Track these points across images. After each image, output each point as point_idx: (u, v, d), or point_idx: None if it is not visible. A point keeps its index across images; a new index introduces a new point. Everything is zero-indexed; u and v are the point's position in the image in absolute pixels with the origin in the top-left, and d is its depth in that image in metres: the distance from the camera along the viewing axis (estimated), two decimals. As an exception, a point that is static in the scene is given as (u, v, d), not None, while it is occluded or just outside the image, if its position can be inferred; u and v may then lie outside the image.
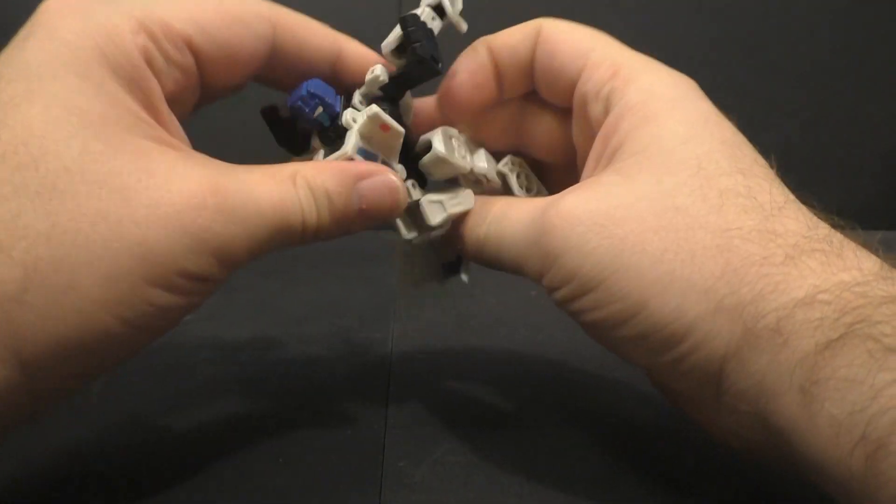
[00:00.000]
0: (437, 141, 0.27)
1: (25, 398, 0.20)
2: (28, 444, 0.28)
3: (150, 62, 0.22)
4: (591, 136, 0.26)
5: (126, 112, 0.21)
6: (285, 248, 0.23)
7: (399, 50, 0.26)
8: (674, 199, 0.22)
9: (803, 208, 0.22)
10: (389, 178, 0.25)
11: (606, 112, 0.25)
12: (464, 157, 0.28)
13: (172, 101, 0.24)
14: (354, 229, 0.25)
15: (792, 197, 0.23)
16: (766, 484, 0.26)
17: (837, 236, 0.21)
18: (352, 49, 0.27)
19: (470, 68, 0.28)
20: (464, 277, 0.31)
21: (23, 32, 0.22)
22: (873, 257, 0.21)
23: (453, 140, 0.28)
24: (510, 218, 0.25)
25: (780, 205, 0.22)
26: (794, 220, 0.22)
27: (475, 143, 0.29)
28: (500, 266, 0.26)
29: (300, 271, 0.50)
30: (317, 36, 0.27)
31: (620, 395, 0.34)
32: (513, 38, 0.27)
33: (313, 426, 0.30)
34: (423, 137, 0.27)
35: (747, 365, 0.20)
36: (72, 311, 0.19)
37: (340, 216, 0.24)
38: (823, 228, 0.22)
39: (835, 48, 0.67)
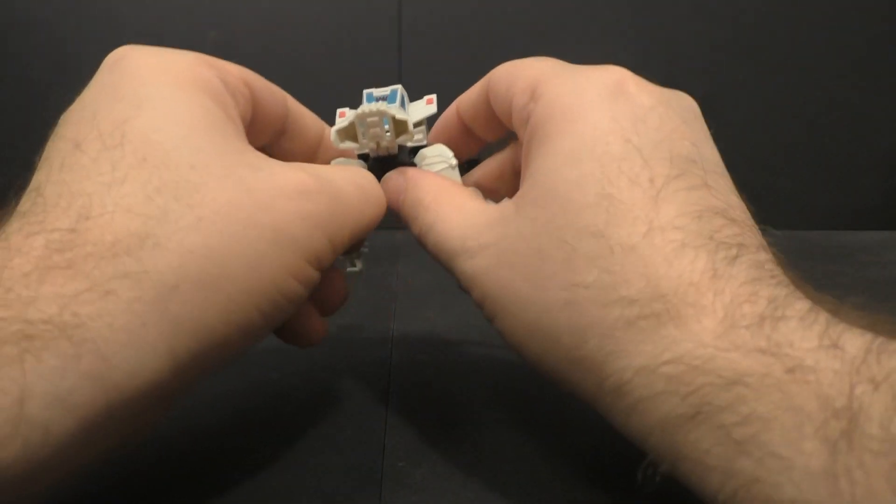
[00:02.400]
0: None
1: (167, 397, 0.20)
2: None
3: (230, 91, 0.24)
4: None
5: (222, 120, 0.23)
6: (364, 236, 0.27)
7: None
8: (539, 241, 0.22)
9: (670, 237, 0.20)
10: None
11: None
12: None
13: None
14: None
15: (663, 221, 0.20)
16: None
17: (686, 284, 0.19)
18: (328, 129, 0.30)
19: (440, 129, 0.30)
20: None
21: (101, 72, 0.23)
22: (718, 313, 0.18)
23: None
24: (438, 233, 0.26)
25: (632, 244, 0.20)
26: (642, 265, 0.20)
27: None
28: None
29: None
30: (309, 116, 0.30)
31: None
32: (472, 93, 0.29)
33: (313, 426, 0.30)
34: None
35: (611, 419, 0.21)
36: (224, 300, 0.20)
37: (381, 202, 0.27)
38: (676, 271, 0.19)
39: (835, 48, 0.68)
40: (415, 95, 0.30)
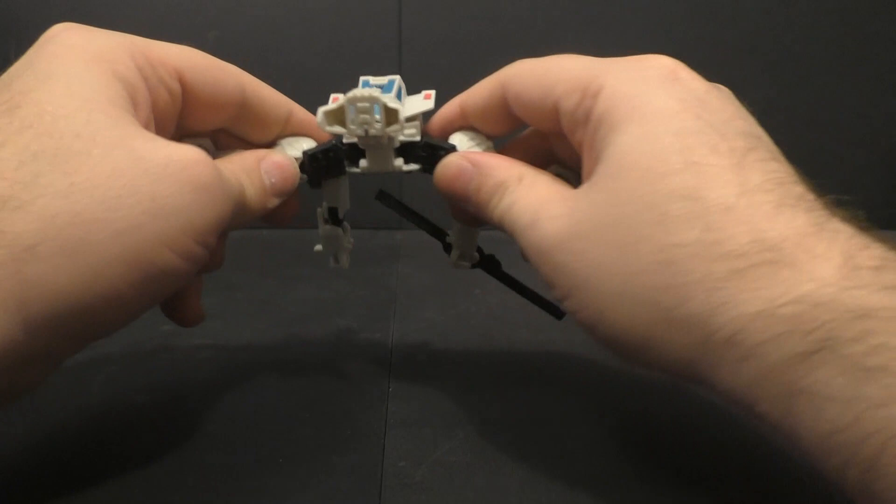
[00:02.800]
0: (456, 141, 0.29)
1: (25, 360, 0.20)
2: (28, 442, 0.28)
3: (144, 76, 0.24)
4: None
5: (123, 100, 0.23)
6: (229, 227, 0.26)
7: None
8: (622, 210, 0.22)
9: (765, 199, 0.20)
10: (281, 160, 0.29)
11: (588, 120, 0.25)
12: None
13: (157, 120, 0.26)
14: (271, 206, 0.28)
15: (753, 185, 0.21)
16: (764, 484, 0.26)
17: (796, 235, 0.20)
18: (299, 112, 0.30)
19: (439, 124, 0.30)
20: None
21: (33, 46, 0.24)
22: (835, 259, 0.19)
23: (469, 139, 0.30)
24: (521, 204, 0.26)
25: (729, 204, 0.20)
26: (744, 222, 0.20)
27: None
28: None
29: (300, 271, 0.50)
30: (274, 96, 0.29)
31: (621, 394, 0.34)
32: (481, 93, 0.28)
33: (313, 426, 0.30)
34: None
35: (714, 374, 0.20)
36: (83, 266, 0.20)
37: (260, 191, 0.27)
38: (781, 226, 0.20)
39: (835, 48, 0.68)
40: (415, 94, 0.29)
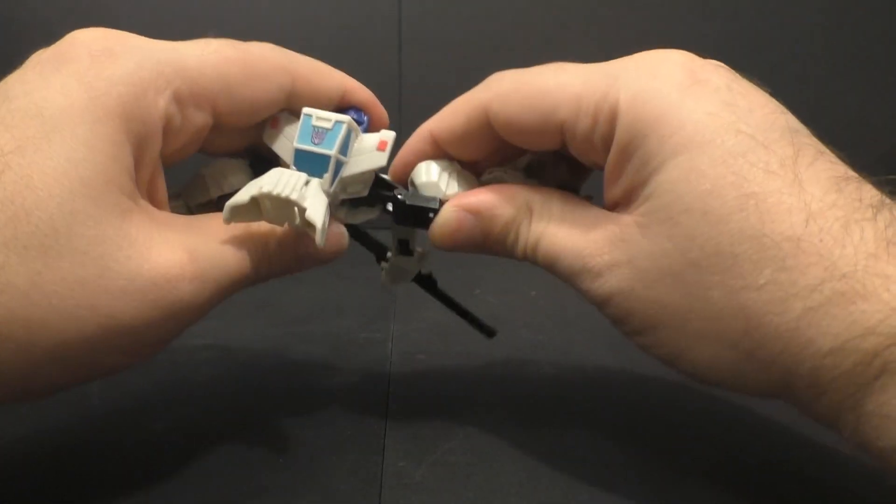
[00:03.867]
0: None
1: None
2: (28, 443, 0.28)
3: (167, 122, 0.23)
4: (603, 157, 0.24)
5: (123, 170, 0.21)
6: (260, 280, 0.25)
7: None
8: (688, 258, 0.21)
9: (832, 217, 0.20)
10: (337, 233, 0.26)
11: (607, 145, 0.23)
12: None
13: (174, 153, 0.25)
14: (307, 269, 0.26)
15: (816, 203, 0.20)
16: (766, 484, 0.26)
17: (866, 257, 0.19)
18: (356, 88, 0.27)
19: (407, 157, 0.28)
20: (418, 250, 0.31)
21: (48, 60, 0.22)
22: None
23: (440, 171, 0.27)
24: (558, 245, 0.25)
25: (797, 235, 0.20)
26: (814, 253, 0.19)
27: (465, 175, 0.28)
28: None
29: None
30: (326, 80, 0.27)
31: (621, 394, 0.34)
32: (455, 120, 0.26)
33: (313, 426, 0.30)
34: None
35: (797, 402, 0.21)
36: (25, 364, 0.19)
37: (291, 263, 0.26)
38: (850, 249, 0.19)
39: (835, 48, 0.68)
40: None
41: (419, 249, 0.30)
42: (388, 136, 0.26)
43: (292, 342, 0.39)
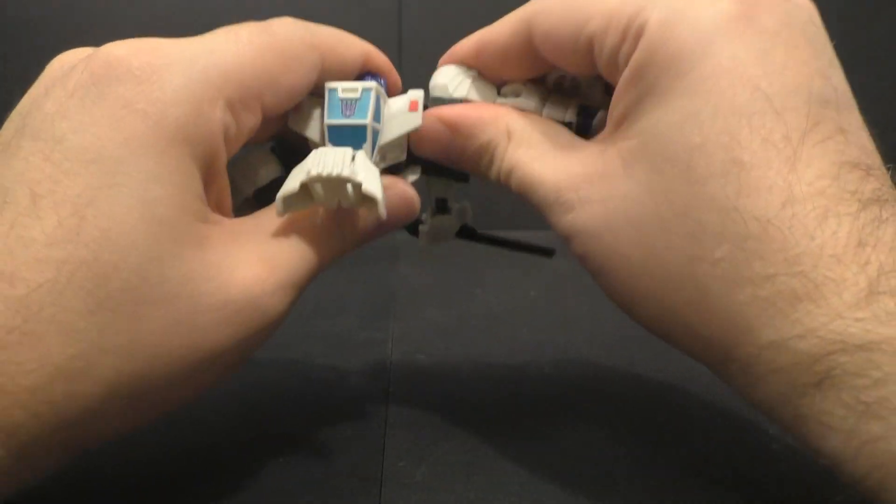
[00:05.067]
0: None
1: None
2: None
3: (226, 132, 0.22)
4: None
5: (195, 197, 0.21)
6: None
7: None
8: (658, 209, 0.20)
9: (812, 205, 0.18)
10: (405, 192, 0.26)
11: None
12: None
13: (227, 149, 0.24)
14: (374, 237, 0.26)
15: (802, 187, 0.18)
16: (767, 484, 0.26)
17: (830, 256, 0.18)
18: (375, 53, 0.27)
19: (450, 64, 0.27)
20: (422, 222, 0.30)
21: (86, 86, 0.20)
22: (860, 285, 0.17)
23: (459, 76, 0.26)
24: (534, 175, 0.24)
25: (768, 217, 0.18)
26: (779, 240, 0.18)
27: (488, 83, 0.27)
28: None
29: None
30: (350, 49, 0.26)
31: (621, 394, 0.34)
32: (499, 35, 0.25)
33: (313, 426, 0.30)
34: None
35: (733, 385, 0.20)
36: (132, 415, 0.20)
37: (361, 237, 0.25)
38: (817, 244, 0.18)
39: (834, 48, 0.68)
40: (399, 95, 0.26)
41: (456, 205, 0.30)
42: (418, 94, 0.25)
43: (292, 342, 0.39)
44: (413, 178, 0.27)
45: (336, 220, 0.24)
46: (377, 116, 0.24)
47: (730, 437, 0.30)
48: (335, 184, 0.22)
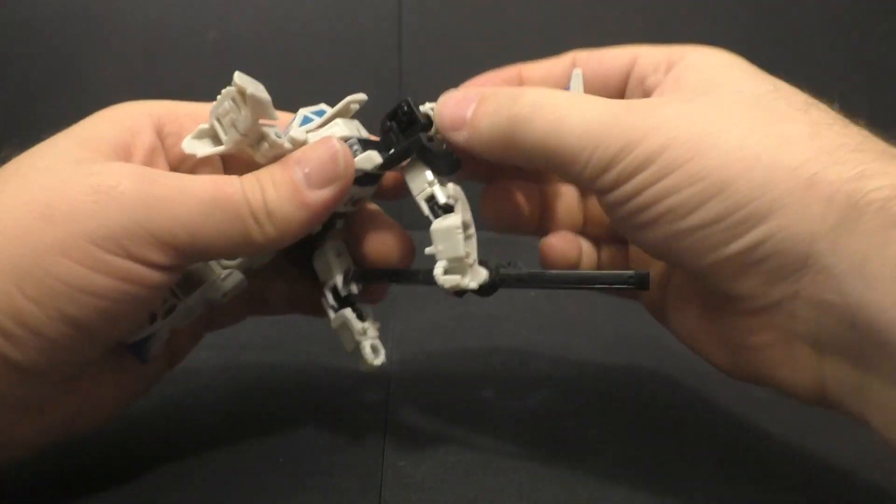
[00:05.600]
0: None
1: None
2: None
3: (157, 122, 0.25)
4: None
5: (109, 148, 0.23)
6: (257, 240, 0.22)
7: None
8: (757, 100, 0.22)
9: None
10: (320, 138, 0.24)
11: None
12: None
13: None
14: (315, 201, 0.23)
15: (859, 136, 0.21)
16: (767, 483, 0.26)
17: None
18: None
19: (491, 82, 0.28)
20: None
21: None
22: None
23: None
24: (578, 108, 0.23)
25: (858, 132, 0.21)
26: (873, 139, 0.21)
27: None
28: (532, 159, 0.24)
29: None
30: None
31: (621, 394, 0.34)
32: (553, 71, 0.27)
33: (313, 426, 0.30)
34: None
35: (846, 244, 0.19)
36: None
37: (288, 188, 0.23)
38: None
39: (834, 48, 0.68)
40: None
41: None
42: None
43: (292, 342, 0.39)
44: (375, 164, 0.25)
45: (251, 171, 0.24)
46: (319, 112, 0.26)
47: (730, 437, 0.30)
48: (226, 110, 0.23)
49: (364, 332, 0.27)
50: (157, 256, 0.21)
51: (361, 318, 0.28)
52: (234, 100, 0.22)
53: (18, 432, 0.22)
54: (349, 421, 0.30)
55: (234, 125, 0.23)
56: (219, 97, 0.23)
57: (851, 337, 0.19)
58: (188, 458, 0.27)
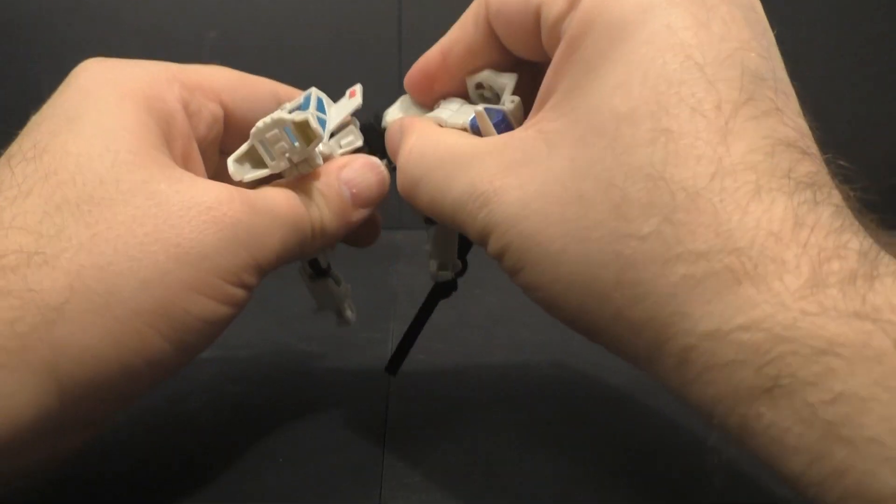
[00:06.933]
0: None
1: (61, 427, 0.20)
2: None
3: (185, 104, 0.25)
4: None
5: (155, 136, 0.23)
6: (306, 252, 0.25)
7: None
8: (581, 184, 0.19)
9: (744, 179, 0.17)
10: (367, 159, 0.26)
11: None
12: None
13: (201, 150, 0.26)
14: (356, 219, 0.26)
15: (733, 159, 0.17)
16: (768, 484, 0.26)
17: (767, 234, 0.16)
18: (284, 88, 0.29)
19: (417, 79, 0.27)
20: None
21: (61, 85, 0.23)
22: (803, 270, 0.16)
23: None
24: (449, 182, 0.22)
25: (697, 188, 0.17)
26: (711, 213, 0.17)
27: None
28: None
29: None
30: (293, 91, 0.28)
31: (620, 395, 0.34)
32: (462, 29, 0.25)
33: (313, 426, 0.30)
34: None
35: (668, 383, 0.18)
36: (111, 320, 0.19)
37: (337, 207, 0.25)
38: (752, 220, 0.16)
39: (834, 48, 0.68)
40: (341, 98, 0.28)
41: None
42: (356, 86, 0.28)
43: (292, 342, 0.39)
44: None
45: (306, 190, 0.25)
46: (320, 108, 0.26)
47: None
48: (277, 137, 0.23)
49: (347, 295, 0.30)
50: (254, 279, 0.23)
51: (338, 282, 0.30)
52: (285, 129, 0.23)
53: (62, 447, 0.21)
54: (349, 421, 0.30)
55: (285, 155, 0.23)
56: (264, 121, 0.23)
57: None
58: (187, 458, 0.27)
